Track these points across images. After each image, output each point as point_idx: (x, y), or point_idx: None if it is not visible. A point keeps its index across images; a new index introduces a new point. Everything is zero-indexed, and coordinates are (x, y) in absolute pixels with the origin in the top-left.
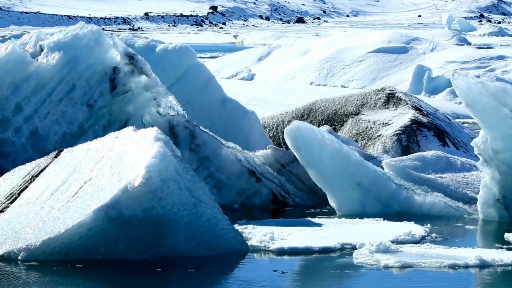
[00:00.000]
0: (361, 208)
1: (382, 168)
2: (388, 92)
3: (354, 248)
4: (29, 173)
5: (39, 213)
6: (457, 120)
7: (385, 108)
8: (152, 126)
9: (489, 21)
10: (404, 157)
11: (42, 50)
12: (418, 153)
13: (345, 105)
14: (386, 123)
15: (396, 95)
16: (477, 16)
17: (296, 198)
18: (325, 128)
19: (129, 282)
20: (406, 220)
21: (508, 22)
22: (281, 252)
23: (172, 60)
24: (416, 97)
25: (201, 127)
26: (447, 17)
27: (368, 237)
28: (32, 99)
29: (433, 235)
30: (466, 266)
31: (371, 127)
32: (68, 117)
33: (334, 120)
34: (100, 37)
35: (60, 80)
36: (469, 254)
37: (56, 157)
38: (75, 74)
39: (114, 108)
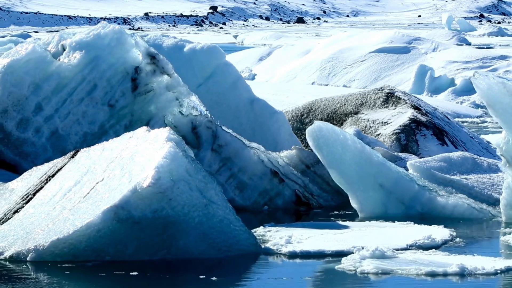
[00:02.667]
0: (384, 209)
1: (407, 169)
2: (387, 91)
3: None
4: (45, 173)
5: (51, 214)
6: (457, 119)
7: (384, 107)
8: (174, 126)
9: (489, 21)
10: (429, 158)
11: (64, 50)
12: (444, 154)
13: (345, 104)
14: (385, 122)
15: (395, 94)
16: (477, 16)
17: (320, 199)
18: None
19: (138, 284)
20: (429, 222)
21: (508, 22)
22: (292, 255)
23: (200, 60)
24: (415, 96)
25: (223, 127)
26: (447, 17)
27: (386, 241)
28: (53, 98)
29: (457, 239)
30: (445, 274)
31: (370, 126)
32: (89, 117)
33: (333, 119)
34: (121, 37)
35: (81, 79)
36: (458, 262)
37: (72, 157)
38: (97, 73)
39: (136, 108)
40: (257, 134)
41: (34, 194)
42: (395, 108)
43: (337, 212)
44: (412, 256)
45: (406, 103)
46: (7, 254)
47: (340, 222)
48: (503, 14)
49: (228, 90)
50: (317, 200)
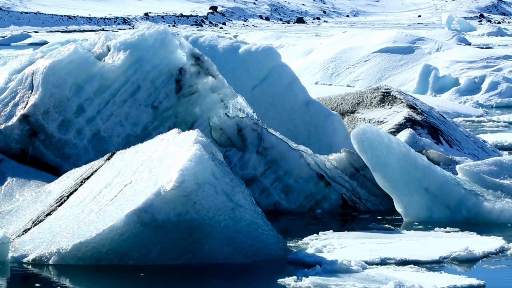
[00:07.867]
0: (429, 214)
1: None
2: (383, 90)
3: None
4: (81, 176)
5: (79, 217)
6: (458, 118)
7: (381, 107)
8: (220, 129)
9: (489, 21)
10: (479, 161)
11: (109, 51)
12: (495, 158)
13: (341, 104)
14: (381, 121)
15: (391, 94)
16: (477, 16)
17: (367, 203)
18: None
19: None
20: (475, 228)
21: (508, 22)
22: (313, 263)
23: (256, 61)
24: (411, 96)
25: (269, 130)
26: (447, 17)
27: (420, 252)
28: (95, 100)
29: (501, 254)
30: None
31: None
32: (132, 118)
33: None
34: (166, 38)
35: (125, 81)
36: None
37: (108, 159)
38: (140, 75)
39: (180, 110)
40: (312, 136)
41: (68, 197)
42: (391, 107)
43: (382, 217)
44: (377, 272)
45: (402, 102)
46: (30, 257)
47: (391, 230)
48: (503, 14)
49: (283, 91)
50: (365, 204)
